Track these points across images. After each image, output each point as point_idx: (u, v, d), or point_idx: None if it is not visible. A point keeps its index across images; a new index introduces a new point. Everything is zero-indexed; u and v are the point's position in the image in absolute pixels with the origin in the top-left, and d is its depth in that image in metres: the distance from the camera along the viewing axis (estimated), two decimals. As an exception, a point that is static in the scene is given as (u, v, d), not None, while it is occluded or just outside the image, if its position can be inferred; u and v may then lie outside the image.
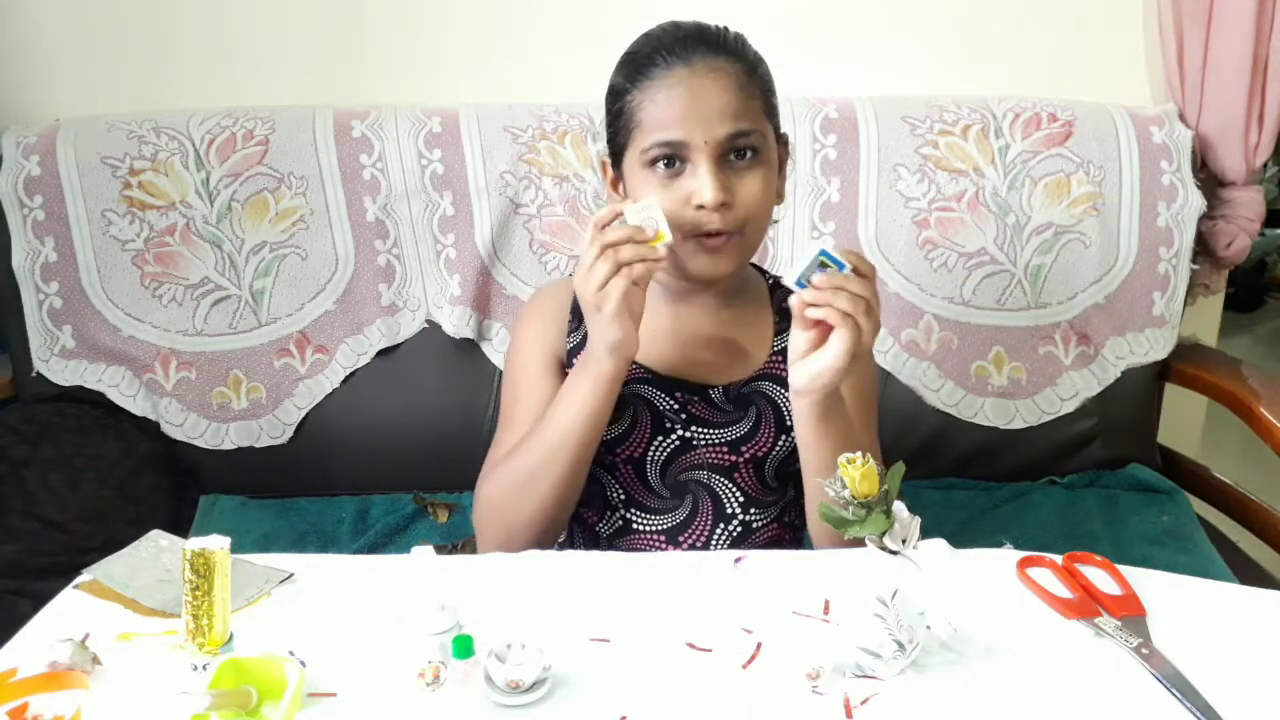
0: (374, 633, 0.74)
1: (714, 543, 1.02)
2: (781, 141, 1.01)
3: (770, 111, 0.98)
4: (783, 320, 1.05)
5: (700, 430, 1.01)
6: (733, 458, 1.01)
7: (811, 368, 0.88)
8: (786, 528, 1.06)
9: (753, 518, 1.03)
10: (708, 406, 1.01)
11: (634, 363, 1.01)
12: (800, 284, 0.85)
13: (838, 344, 0.85)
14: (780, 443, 1.01)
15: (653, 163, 0.94)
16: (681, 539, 1.02)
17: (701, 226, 0.93)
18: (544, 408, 1.01)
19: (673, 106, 0.92)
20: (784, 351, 1.03)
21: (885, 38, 1.57)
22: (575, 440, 0.94)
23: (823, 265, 0.85)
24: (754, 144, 0.94)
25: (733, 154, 0.93)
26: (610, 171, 1.01)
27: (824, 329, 0.87)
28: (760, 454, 1.01)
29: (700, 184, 0.91)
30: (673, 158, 0.93)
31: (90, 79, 1.53)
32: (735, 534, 1.02)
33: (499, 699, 0.67)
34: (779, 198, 1.01)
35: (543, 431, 0.95)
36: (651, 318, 1.02)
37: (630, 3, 1.43)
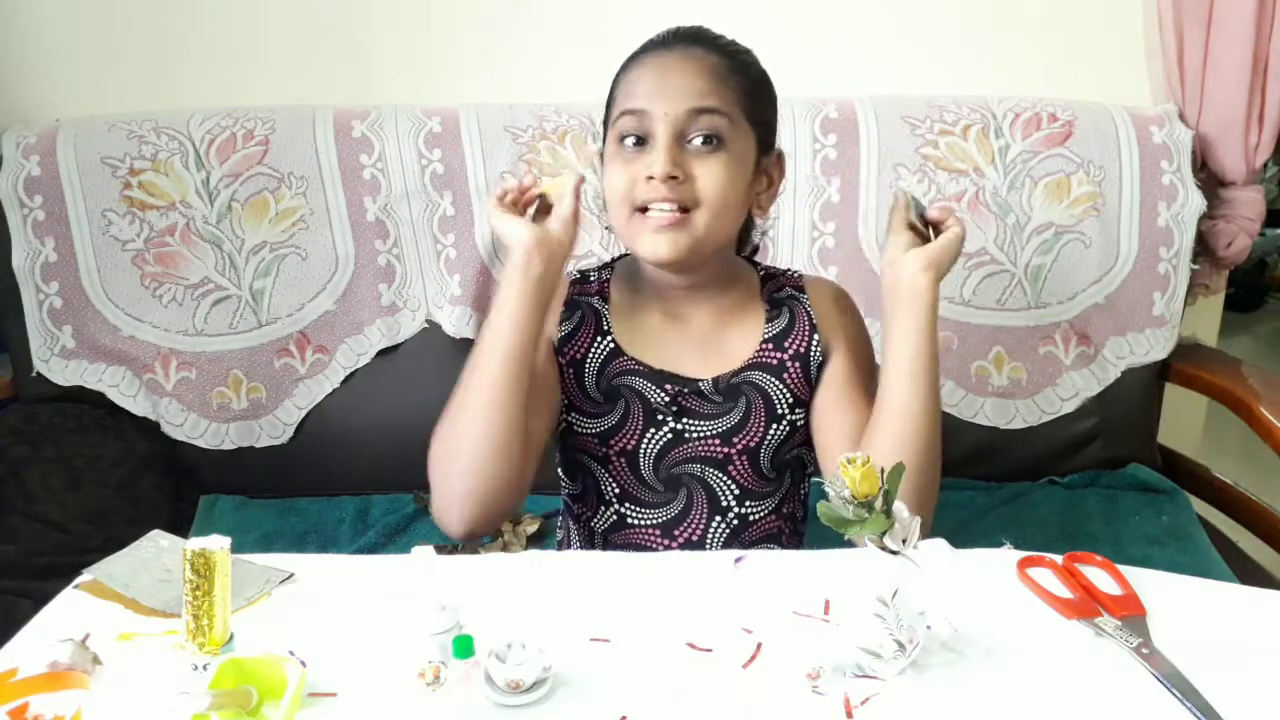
0: (374, 633, 0.74)
1: (710, 536, 1.02)
2: (775, 156, 1.02)
3: (751, 113, 0.97)
4: (773, 309, 1.05)
5: (691, 423, 1.01)
6: (725, 449, 1.02)
7: (932, 249, 0.95)
8: (785, 519, 1.06)
9: (749, 510, 1.03)
10: (698, 398, 1.01)
11: (625, 355, 1.02)
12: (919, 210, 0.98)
13: (957, 229, 0.96)
14: (772, 431, 1.02)
15: (621, 139, 0.96)
16: (676, 533, 1.02)
17: (650, 200, 0.94)
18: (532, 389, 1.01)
19: (642, 81, 0.96)
20: (774, 339, 1.03)
21: (885, 38, 1.57)
22: (495, 349, 0.93)
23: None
24: (718, 129, 0.94)
25: (697, 139, 0.94)
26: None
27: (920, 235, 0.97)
28: (753, 444, 1.01)
29: (654, 156, 0.93)
30: (640, 138, 0.95)
31: (90, 79, 1.53)
32: (732, 526, 1.02)
33: (499, 699, 0.67)
34: (760, 210, 1.02)
35: (476, 350, 0.97)
36: (641, 313, 1.04)
37: (630, 3, 1.44)
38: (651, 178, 0.93)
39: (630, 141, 0.95)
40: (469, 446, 0.93)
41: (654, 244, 0.95)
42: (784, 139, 1.43)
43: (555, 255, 0.95)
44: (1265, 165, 1.55)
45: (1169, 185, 1.45)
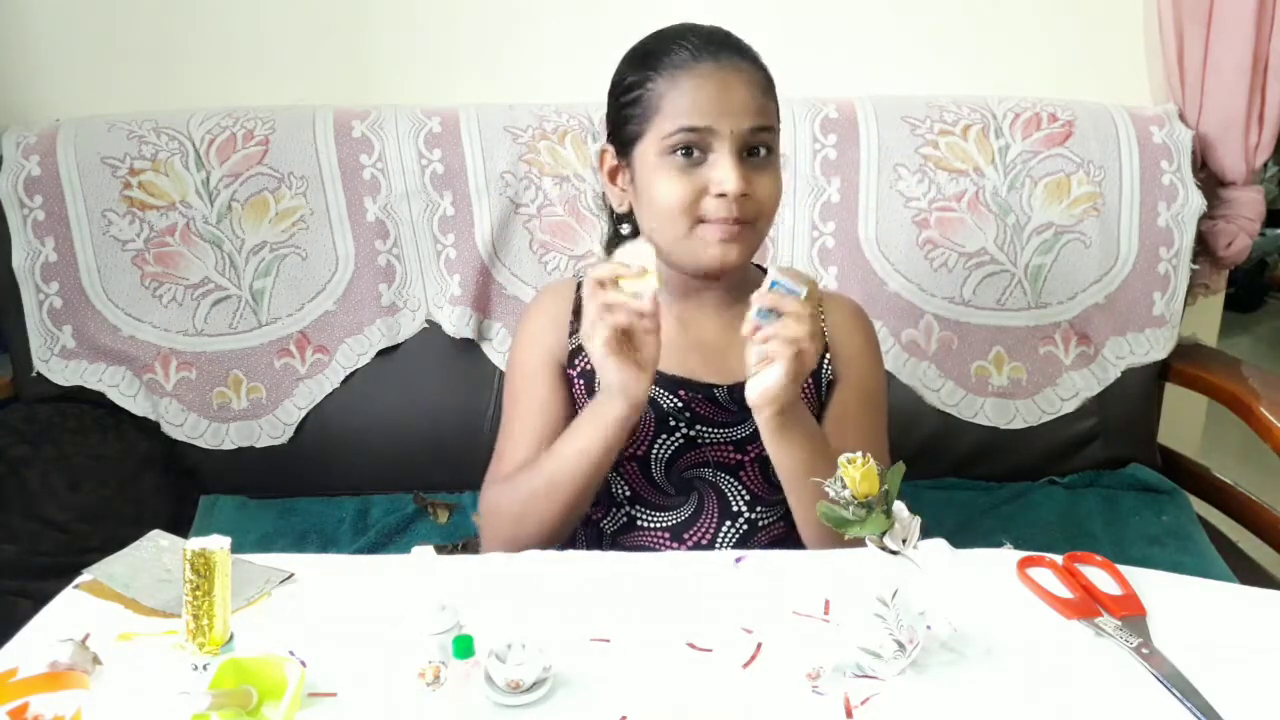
0: (374, 633, 0.74)
1: (719, 540, 1.02)
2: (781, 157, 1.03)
3: (779, 121, 1.00)
4: None
5: (705, 429, 1.01)
6: (738, 456, 1.02)
7: (761, 383, 0.90)
8: (793, 526, 1.06)
9: (758, 515, 1.03)
10: (713, 406, 1.01)
11: None
12: (763, 315, 0.89)
13: (779, 368, 0.88)
14: None
15: (672, 150, 0.95)
16: (686, 536, 1.02)
17: (717, 215, 0.94)
18: (543, 410, 1.02)
19: (700, 95, 0.94)
20: None
21: (885, 38, 1.57)
22: (574, 476, 0.94)
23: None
24: (770, 143, 0.97)
25: (751, 150, 0.95)
26: (611, 161, 1.02)
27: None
28: (766, 454, 1.01)
29: (723, 174, 0.93)
30: (692, 147, 0.94)
31: (90, 79, 1.53)
32: (741, 531, 1.02)
33: (499, 699, 0.67)
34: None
35: (546, 461, 0.97)
36: None
37: (630, 3, 1.44)
38: (721, 194, 0.93)
39: (682, 153, 0.95)
40: (534, 535, 0.96)
41: (720, 254, 0.96)
42: (784, 139, 1.43)
43: (647, 395, 0.94)
44: (1265, 165, 1.55)
45: (1169, 185, 1.45)
